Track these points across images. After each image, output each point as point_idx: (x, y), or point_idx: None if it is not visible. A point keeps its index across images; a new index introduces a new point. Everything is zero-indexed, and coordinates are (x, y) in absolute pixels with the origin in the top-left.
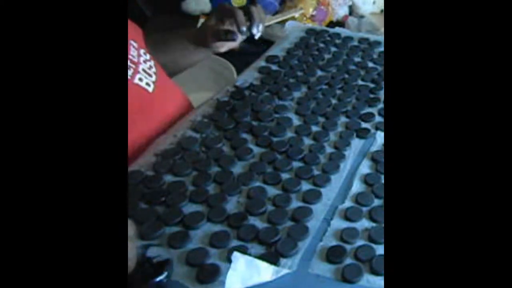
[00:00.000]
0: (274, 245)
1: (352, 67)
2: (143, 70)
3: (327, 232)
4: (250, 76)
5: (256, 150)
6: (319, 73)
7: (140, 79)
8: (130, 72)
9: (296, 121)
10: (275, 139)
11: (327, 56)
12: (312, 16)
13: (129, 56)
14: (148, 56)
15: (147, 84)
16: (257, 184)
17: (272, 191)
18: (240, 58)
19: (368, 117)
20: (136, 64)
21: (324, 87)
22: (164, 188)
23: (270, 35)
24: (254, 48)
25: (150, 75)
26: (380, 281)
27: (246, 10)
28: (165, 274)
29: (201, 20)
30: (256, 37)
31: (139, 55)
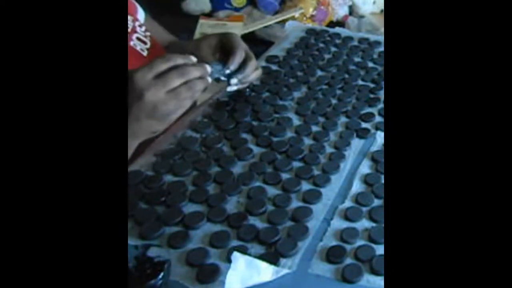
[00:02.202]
0: (274, 245)
1: (352, 67)
2: (137, 38)
3: (327, 232)
4: None
5: (256, 150)
6: (319, 73)
7: (135, 45)
8: None
9: (296, 121)
10: (275, 139)
11: (327, 56)
12: (312, 16)
13: None
14: (143, 28)
15: (141, 49)
16: (257, 184)
17: (272, 191)
18: None
19: (368, 117)
20: (131, 33)
21: (324, 87)
22: (164, 188)
23: (270, 35)
24: (254, 48)
25: (145, 43)
26: (380, 281)
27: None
28: (161, 276)
29: (201, 21)
30: (229, 88)
31: (134, 27)
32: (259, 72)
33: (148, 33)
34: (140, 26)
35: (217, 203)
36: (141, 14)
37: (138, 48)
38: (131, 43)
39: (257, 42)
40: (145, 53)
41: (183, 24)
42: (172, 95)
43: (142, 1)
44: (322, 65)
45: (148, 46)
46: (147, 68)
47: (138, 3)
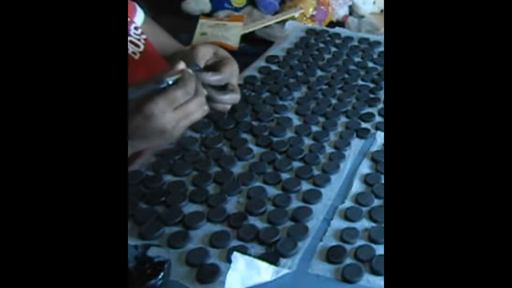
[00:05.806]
0: (274, 245)
1: (352, 67)
2: (130, 41)
3: (327, 232)
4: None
5: (256, 150)
6: (319, 73)
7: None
8: None
9: (296, 121)
10: (275, 139)
11: (327, 56)
12: (312, 16)
13: None
14: (139, 31)
15: (133, 53)
16: (257, 184)
17: (272, 191)
18: (240, 58)
19: (368, 117)
20: None
21: (324, 87)
22: (164, 188)
23: (270, 35)
24: (254, 48)
25: (137, 46)
26: (380, 281)
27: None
28: (161, 276)
29: (201, 21)
30: None
31: (128, 29)
32: (234, 97)
33: (143, 36)
34: (135, 28)
35: (217, 203)
36: (139, 16)
37: (129, 51)
38: None
39: (257, 42)
40: (136, 57)
41: (183, 24)
42: (187, 121)
43: (142, 1)
44: (322, 65)
45: (141, 49)
46: (167, 103)
47: (138, 4)
